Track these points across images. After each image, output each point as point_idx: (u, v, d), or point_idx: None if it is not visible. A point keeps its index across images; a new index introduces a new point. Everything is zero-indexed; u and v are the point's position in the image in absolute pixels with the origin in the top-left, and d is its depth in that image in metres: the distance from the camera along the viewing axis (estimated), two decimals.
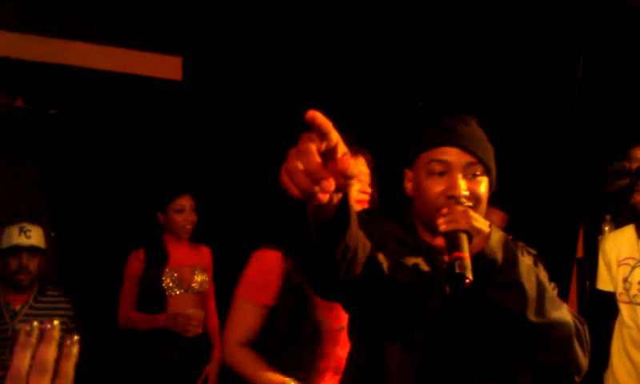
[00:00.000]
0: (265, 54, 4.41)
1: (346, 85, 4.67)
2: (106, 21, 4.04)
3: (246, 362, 2.10)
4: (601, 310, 3.40)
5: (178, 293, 3.35)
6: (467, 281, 1.22)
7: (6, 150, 3.94)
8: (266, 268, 2.17)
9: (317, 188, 1.00)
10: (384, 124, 4.86)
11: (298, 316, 2.12)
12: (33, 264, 3.19)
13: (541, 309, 1.35)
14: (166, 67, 4.23)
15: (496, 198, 3.85)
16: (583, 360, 1.43)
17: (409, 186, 1.60)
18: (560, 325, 1.39)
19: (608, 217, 4.02)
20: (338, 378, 2.06)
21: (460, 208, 1.36)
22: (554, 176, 4.47)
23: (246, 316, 2.13)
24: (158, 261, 3.38)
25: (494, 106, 4.83)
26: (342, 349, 2.16)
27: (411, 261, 1.51)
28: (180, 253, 3.44)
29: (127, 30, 4.10)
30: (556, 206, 4.39)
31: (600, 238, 4.06)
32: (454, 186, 1.45)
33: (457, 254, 1.26)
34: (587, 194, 4.19)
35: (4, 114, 3.78)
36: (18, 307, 3.20)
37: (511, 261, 1.34)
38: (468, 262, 1.25)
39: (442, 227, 1.34)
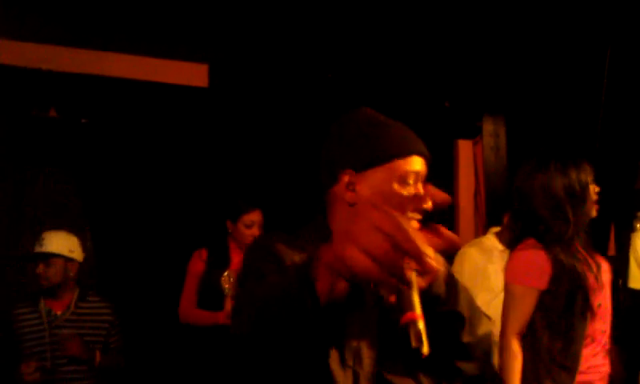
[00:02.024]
0: (289, 58, 4.44)
1: (371, 87, 4.67)
2: (132, 31, 4.10)
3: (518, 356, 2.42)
4: (633, 309, 3.38)
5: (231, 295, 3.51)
6: (424, 354, 1.13)
7: (40, 161, 4.02)
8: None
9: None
10: (408, 125, 4.86)
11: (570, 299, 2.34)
12: (50, 271, 3.25)
13: (472, 329, 1.39)
14: (193, 74, 4.28)
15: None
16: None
17: (355, 191, 1.43)
18: (485, 338, 1.44)
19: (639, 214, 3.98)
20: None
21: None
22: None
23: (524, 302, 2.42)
24: (220, 263, 3.59)
25: (521, 103, 4.80)
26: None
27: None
28: (240, 261, 3.53)
29: (154, 38, 4.15)
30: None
31: (632, 235, 4.02)
32: (424, 199, 1.44)
33: (409, 315, 1.14)
34: (618, 191, 4.15)
35: (38, 125, 3.86)
36: (59, 313, 3.27)
37: (453, 291, 1.35)
38: (421, 324, 1.14)
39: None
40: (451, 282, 1.36)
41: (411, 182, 1.43)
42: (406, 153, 1.45)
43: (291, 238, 1.46)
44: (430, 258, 1.07)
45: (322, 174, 1.51)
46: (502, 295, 3.72)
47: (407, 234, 0.95)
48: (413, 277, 1.16)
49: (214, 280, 3.52)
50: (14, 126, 3.77)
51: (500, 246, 3.82)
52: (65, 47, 3.91)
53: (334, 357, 1.33)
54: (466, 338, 1.38)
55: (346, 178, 1.44)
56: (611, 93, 4.22)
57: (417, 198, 1.43)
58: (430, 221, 1.43)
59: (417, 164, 1.45)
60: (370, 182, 1.43)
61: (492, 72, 4.69)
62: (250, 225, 3.64)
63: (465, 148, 5.07)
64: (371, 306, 1.38)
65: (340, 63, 4.58)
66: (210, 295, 3.52)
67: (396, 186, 1.42)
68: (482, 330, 1.43)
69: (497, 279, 3.74)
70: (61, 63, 3.86)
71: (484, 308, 3.72)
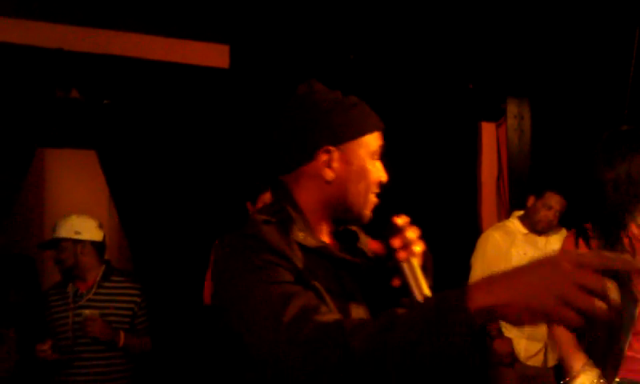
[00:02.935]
0: (310, 38, 4.40)
1: (393, 69, 4.62)
2: (154, 11, 4.08)
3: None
4: None
5: None
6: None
7: (64, 141, 4.04)
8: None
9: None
10: (431, 107, 4.81)
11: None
12: (62, 255, 3.31)
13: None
14: (214, 55, 4.27)
15: (554, 183, 3.84)
16: None
17: (331, 168, 1.40)
18: None
19: None
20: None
21: (413, 233, 1.41)
22: None
23: None
24: None
25: (546, 84, 4.73)
26: None
27: (325, 278, 1.34)
28: None
29: (175, 19, 4.14)
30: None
31: None
32: (383, 173, 1.47)
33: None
34: None
35: (60, 106, 3.87)
36: (84, 292, 3.31)
37: (428, 268, 1.46)
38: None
39: (401, 256, 1.36)
40: (427, 257, 1.45)
41: (377, 157, 1.45)
42: (374, 128, 1.46)
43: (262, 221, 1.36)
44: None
45: (289, 151, 1.44)
46: None
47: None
48: (415, 262, 1.36)
49: None
50: (37, 107, 3.78)
51: (524, 230, 3.78)
52: (87, 28, 3.91)
53: None
54: None
55: (324, 156, 1.41)
56: (639, 74, 4.14)
57: (380, 173, 1.45)
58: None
59: (380, 139, 1.47)
60: (347, 158, 1.41)
61: (516, 53, 4.62)
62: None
63: (488, 130, 5.02)
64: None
65: (362, 44, 4.54)
66: None
67: (369, 161, 1.43)
68: None
69: (520, 263, 3.69)
70: (83, 44, 3.87)
71: None
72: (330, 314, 1.20)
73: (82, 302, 3.27)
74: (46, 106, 3.80)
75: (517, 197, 4.27)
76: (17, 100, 3.69)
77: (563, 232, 3.90)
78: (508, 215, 4.08)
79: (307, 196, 1.42)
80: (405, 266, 1.36)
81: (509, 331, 3.69)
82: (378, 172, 1.45)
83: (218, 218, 3.86)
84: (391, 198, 5.00)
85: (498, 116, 4.97)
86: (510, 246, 3.74)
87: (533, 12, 4.27)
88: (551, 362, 3.75)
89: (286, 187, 1.44)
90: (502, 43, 4.56)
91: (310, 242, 1.35)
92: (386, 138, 4.80)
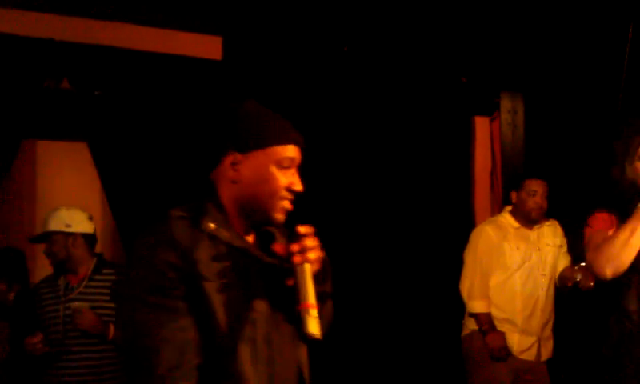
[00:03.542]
0: (304, 30, 4.38)
1: (387, 62, 4.61)
2: (146, 2, 4.05)
3: None
4: None
5: None
6: (315, 337, 1.49)
7: (55, 133, 3.99)
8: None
9: None
10: (424, 101, 4.79)
11: None
12: (53, 248, 3.28)
13: (329, 306, 1.72)
14: (206, 47, 4.24)
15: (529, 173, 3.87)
16: None
17: (238, 170, 1.62)
18: (331, 310, 1.76)
19: None
20: None
21: (311, 242, 1.55)
22: (603, 149, 4.36)
23: None
24: None
25: (540, 79, 4.73)
26: None
27: (228, 269, 1.55)
28: None
29: (168, 10, 4.10)
30: (605, 182, 4.28)
31: None
32: (297, 182, 1.65)
33: (304, 305, 1.49)
34: None
35: (50, 97, 3.82)
36: (75, 285, 3.29)
37: (327, 272, 1.65)
38: (315, 312, 1.50)
39: (296, 260, 1.53)
40: (326, 265, 1.64)
41: (286, 166, 1.63)
42: (284, 141, 1.64)
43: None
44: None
45: (204, 157, 1.69)
46: (517, 274, 3.70)
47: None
48: (307, 267, 1.53)
49: None
50: (27, 97, 3.74)
51: (515, 224, 3.79)
52: (78, 18, 3.88)
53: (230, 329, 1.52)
54: (324, 312, 1.63)
55: (230, 159, 1.62)
56: (632, 69, 4.14)
57: (290, 182, 1.63)
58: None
59: (292, 151, 1.65)
60: (251, 163, 1.62)
61: (510, 48, 4.61)
62: None
63: (482, 125, 5.01)
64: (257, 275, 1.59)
65: (356, 36, 4.52)
66: None
67: (273, 169, 1.62)
68: (331, 304, 1.74)
69: (512, 257, 3.72)
70: (74, 34, 3.83)
71: (499, 286, 3.71)
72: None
73: (73, 295, 3.23)
74: (37, 97, 3.75)
75: (510, 192, 4.26)
76: (6, 91, 3.65)
77: (555, 224, 3.90)
78: (501, 210, 4.08)
79: (224, 194, 1.64)
80: (297, 269, 1.53)
81: (501, 325, 3.68)
82: (286, 180, 1.62)
83: None
84: (385, 192, 5.00)
85: (491, 110, 4.96)
86: (502, 240, 3.74)
87: (527, 6, 4.26)
88: (544, 356, 3.76)
89: (213, 185, 1.66)
90: (496, 37, 4.55)
91: (221, 233, 1.58)
92: (379, 131, 4.79)
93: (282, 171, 1.62)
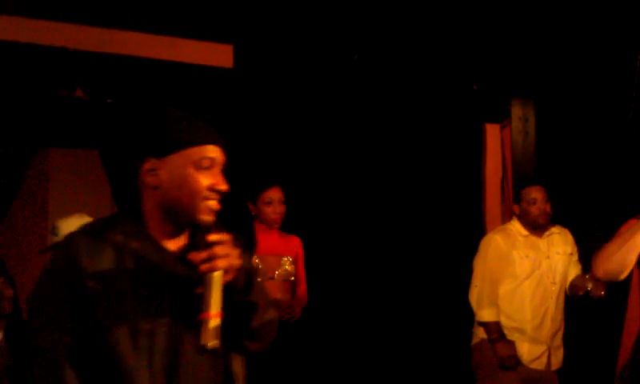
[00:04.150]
0: (315, 39, 4.39)
1: (397, 70, 4.61)
2: (158, 11, 4.08)
3: None
4: None
5: (262, 280, 3.49)
6: (209, 348, 1.49)
7: (67, 141, 4.02)
8: None
9: None
10: (436, 108, 4.79)
11: None
12: None
13: (261, 317, 1.68)
14: (218, 55, 4.26)
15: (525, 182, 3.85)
16: None
17: (156, 176, 1.61)
18: (271, 322, 1.74)
19: None
20: None
21: (221, 250, 1.52)
22: (614, 163, 4.34)
23: None
24: (245, 248, 3.52)
25: (551, 86, 4.71)
26: None
27: (128, 281, 1.57)
28: (269, 241, 3.64)
29: (180, 18, 4.13)
30: (615, 193, 4.26)
31: None
32: (220, 181, 1.64)
33: (205, 314, 1.48)
34: None
35: (63, 105, 3.86)
36: None
37: (248, 283, 1.62)
38: (215, 321, 1.49)
39: (203, 268, 1.50)
40: (250, 275, 1.64)
41: (206, 166, 1.61)
42: (201, 141, 1.62)
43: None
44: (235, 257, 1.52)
45: (124, 164, 1.70)
46: (527, 282, 3.69)
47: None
48: (216, 276, 1.50)
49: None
50: (40, 106, 3.77)
51: (524, 232, 3.77)
52: (91, 27, 3.91)
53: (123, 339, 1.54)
54: (254, 324, 1.66)
55: (147, 165, 1.61)
56: None
57: (212, 182, 1.62)
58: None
59: (212, 151, 1.63)
60: (168, 167, 1.60)
61: (521, 55, 4.60)
62: (270, 202, 3.63)
63: (492, 132, 4.99)
64: (165, 284, 1.59)
65: (366, 45, 4.52)
66: None
67: (191, 170, 1.60)
68: (270, 315, 1.72)
69: (521, 265, 3.70)
70: (87, 43, 3.86)
71: (509, 294, 3.69)
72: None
73: None
74: (50, 105, 3.79)
75: (512, 205, 4.24)
76: (20, 99, 3.69)
77: (566, 232, 3.88)
78: (511, 218, 4.06)
79: (147, 202, 1.63)
80: (206, 277, 1.50)
81: (511, 334, 3.67)
82: (208, 181, 1.61)
83: (219, 218, 3.85)
84: (396, 199, 5.00)
85: (502, 117, 4.94)
86: (511, 248, 3.73)
87: (538, 13, 4.25)
88: (555, 365, 3.73)
89: (134, 193, 1.65)
90: (507, 44, 4.55)
91: (128, 244, 1.59)
92: (390, 138, 4.77)
93: (203, 172, 1.61)
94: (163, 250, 1.63)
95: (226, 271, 1.52)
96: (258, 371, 3.44)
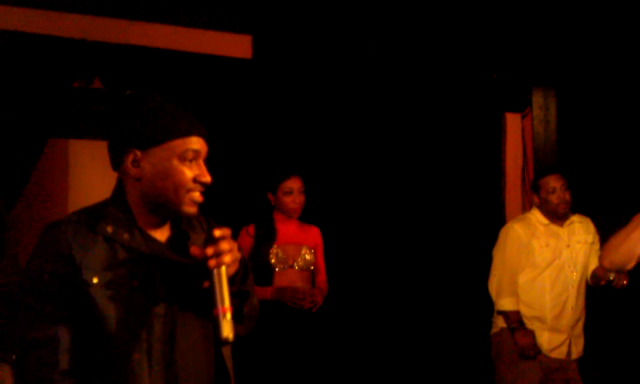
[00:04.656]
0: (333, 29, 4.38)
1: (416, 59, 4.59)
2: (176, 1, 4.10)
3: None
4: None
5: (283, 268, 3.58)
6: (230, 341, 1.51)
7: (86, 133, 4.05)
8: None
9: None
10: (455, 98, 4.76)
11: None
12: None
13: (251, 302, 1.73)
14: (236, 45, 4.27)
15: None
16: None
17: (140, 167, 1.61)
18: (257, 306, 1.79)
19: None
20: None
21: (226, 245, 1.53)
22: (636, 151, 4.29)
23: None
24: (266, 237, 3.62)
25: (573, 74, 4.66)
26: None
27: (122, 272, 1.57)
28: (288, 231, 3.67)
29: (198, 9, 4.14)
30: (638, 182, 4.22)
31: None
32: (205, 173, 1.63)
33: (221, 309, 1.50)
34: None
35: (82, 96, 3.89)
36: None
37: (245, 274, 1.66)
38: (229, 315, 1.50)
39: (211, 263, 1.51)
40: (245, 265, 1.66)
41: (190, 158, 1.61)
42: (185, 133, 1.61)
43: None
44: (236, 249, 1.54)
45: (111, 155, 1.67)
46: (547, 271, 3.66)
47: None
48: (223, 270, 1.53)
49: (262, 255, 3.57)
50: (58, 97, 3.80)
51: (545, 221, 3.75)
52: (109, 18, 3.93)
53: (120, 331, 1.54)
54: (245, 309, 1.70)
55: (131, 157, 1.61)
56: None
57: (196, 174, 1.62)
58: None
59: (195, 143, 1.63)
60: (152, 159, 1.60)
61: (541, 43, 4.55)
62: (289, 191, 3.64)
63: (513, 121, 4.95)
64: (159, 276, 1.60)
65: (385, 34, 4.51)
66: (258, 270, 3.51)
67: (175, 162, 1.60)
68: (255, 301, 1.77)
69: (541, 254, 3.68)
70: (105, 34, 3.89)
71: (528, 284, 3.67)
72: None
73: None
74: (68, 96, 3.82)
75: (532, 196, 4.21)
76: (39, 90, 3.72)
77: (587, 221, 3.84)
78: (532, 207, 4.03)
79: (130, 192, 1.64)
80: (214, 272, 1.52)
81: (531, 323, 3.65)
82: (191, 172, 1.61)
83: (239, 208, 3.87)
84: (416, 189, 4.97)
85: (523, 106, 4.90)
86: (531, 237, 3.70)
87: (558, 1, 4.21)
88: (575, 354, 3.70)
89: (121, 184, 1.66)
90: (528, 32, 4.50)
91: (120, 236, 1.59)
92: (410, 128, 4.75)
93: (186, 164, 1.61)
94: (153, 240, 1.64)
95: (228, 266, 1.54)
96: (280, 359, 3.48)
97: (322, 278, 3.76)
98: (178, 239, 1.67)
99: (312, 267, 3.68)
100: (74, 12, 3.82)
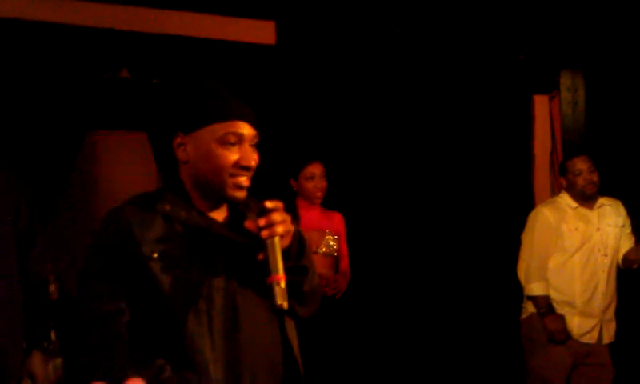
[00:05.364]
0: (357, 13, 4.35)
1: (442, 42, 4.54)
2: None
3: None
4: None
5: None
6: (284, 308, 1.53)
7: (113, 122, 4.08)
8: None
9: None
10: (483, 80, 4.72)
11: None
12: None
13: (311, 281, 1.71)
14: (260, 32, 4.27)
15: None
16: None
17: (185, 151, 1.65)
18: (318, 287, 1.79)
19: None
20: None
21: (278, 216, 1.55)
22: None
23: None
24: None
25: (601, 56, 4.59)
26: None
27: (181, 247, 1.61)
28: (310, 217, 3.66)
29: None
30: None
31: None
32: (248, 157, 1.64)
33: (274, 277, 1.52)
34: None
35: (110, 86, 3.91)
36: None
37: (301, 249, 1.66)
38: (283, 283, 1.52)
39: (264, 234, 1.53)
40: (301, 240, 1.67)
41: (233, 142, 1.62)
42: (226, 117, 1.63)
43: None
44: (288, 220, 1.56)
45: (154, 141, 1.73)
46: (577, 255, 3.61)
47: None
48: (277, 240, 1.55)
49: None
50: (87, 87, 3.83)
51: (574, 204, 3.70)
52: (136, 7, 3.95)
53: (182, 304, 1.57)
54: (305, 287, 1.69)
55: (177, 140, 1.65)
56: None
57: (237, 158, 1.62)
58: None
59: (238, 127, 1.63)
60: (194, 143, 1.64)
61: (570, 24, 4.48)
62: (311, 177, 3.64)
63: (541, 103, 4.89)
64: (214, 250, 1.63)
65: (409, 17, 4.47)
66: None
67: (215, 146, 1.62)
68: (317, 280, 1.77)
69: (570, 238, 3.64)
70: (132, 23, 3.91)
71: (558, 268, 3.63)
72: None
73: None
74: (98, 87, 3.85)
75: (560, 180, 4.16)
76: (69, 82, 3.75)
77: (618, 203, 3.79)
78: (561, 190, 3.98)
79: (182, 175, 1.68)
80: (267, 243, 1.54)
81: (561, 308, 3.61)
82: (233, 157, 1.62)
83: (263, 195, 3.87)
84: (444, 174, 4.93)
85: (551, 88, 4.84)
86: (560, 221, 3.66)
87: None
88: (606, 339, 3.66)
89: (175, 167, 1.69)
90: (555, 13, 4.43)
91: (177, 213, 1.63)
92: (436, 112, 4.71)
93: (228, 148, 1.62)
94: (209, 218, 1.67)
95: (282, 236, 1.55)
96: (304, 345, 3.50)
97: (345, 264, 3.76)
98: (235, 220, 1.69)
99: (335, 254, 3.68)
100: (101, 2, 3.84)
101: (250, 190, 1.69)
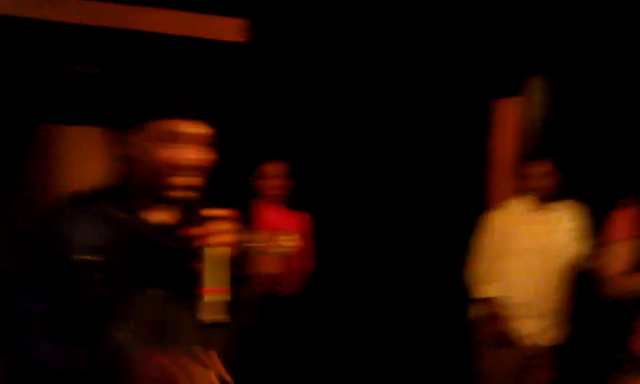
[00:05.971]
0: (331, 13, 4.38)
1: (412, 43, 4.58)
2: None
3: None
4: None
5: (257, 253, 3.51)
6: (208, 322, 1.52)
7: (80, 118, 4.10)
8: None
9: None
10: (447, 83, 4.76)
11: None
12: None
13: (248, 289, 1.72)
14: (233, 29, 4.28)
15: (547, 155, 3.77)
16: None
17: (128, 148, 1.59)
18: (253, 294, 1.78)
19: None
20: None
21: (216, 226, 1.52)
22: (630, 138, 4.28)
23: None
24: (249, 223, 3.58)
25: (568, 59, 4.64)
26: None
27: (116, 250, 1.57)
28: (268, 217, 3.61)
29: None
30: (631, 170, 4.22)
31: None
32: (188, 157, 1.57)
33: (202, 290, 1.51)
34: None
35: (79, 81, 3.93)
36: None
37: (244, 258, 1.69)
38: (210, 297, 1.51)
39: (195, 244, 1.51)
40: (246, 249, 1.67)
41: (175, 141, 1.56)
42: (166, 115, 1.56)
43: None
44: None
45: (104, 138, 1.65)
46: (528, 257, 3.64)
47: None
48: (210, 252, 1.52)
49: (244, 241, 3.56)
50: (55, 82, 3.85)
51: (526, 207, 3.72)
52: (104, 2, 3.95)
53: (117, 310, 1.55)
54: (243, 296, 1.69)
55: (120, 138, 1.59)
56: None
57: (177, 157, 1.56)
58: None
59: (179, 126, 1.56)
60: (132, 142, 1.57)
61: (535, 27, 4.53)
62: (271, 176, 3.61)
63: (502, 106, 4.92)
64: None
65: (382, 17, 4.50)
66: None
67: (155, 144, 1.55)
68: (252, 289, 1.76)
69: (523, 240, 3.65)
70: (100, 18, 3.91)
71: (509, 270, 3.66)
72: None
73: None
74: (57, 81, 3.85)
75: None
76: (27, 75, 3.74)
77: (574, 206, 3.80)
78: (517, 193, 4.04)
79: (124, 174, 1.62)
80: (198, 253, 1.51)
81: (510, 310, 3.65)
82: (170, 156, 1.56)
83: (221, 196, 3.92)
84: (407, 176, 4.87)
85: (512, 92, 4.87)
86: (511, 224, 3.70)
87: None
88: (554, 342, 3.71)
89: (117, 167, 1.64)
90: (521, 17, 4.48)
91: (114, 215, 1.58)
92: (402, 117, 4.71)
93: (168, 146, 1.56)
94: (147, 222, 1.62)
95: (223, 246, 1.51)
96: (261, 345, 3.54)
97: (301, 263, 3.71)
98: (178, 223, 1.64)
99: (290, 253, 3.61)
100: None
101: (209, 190, 1.66)
